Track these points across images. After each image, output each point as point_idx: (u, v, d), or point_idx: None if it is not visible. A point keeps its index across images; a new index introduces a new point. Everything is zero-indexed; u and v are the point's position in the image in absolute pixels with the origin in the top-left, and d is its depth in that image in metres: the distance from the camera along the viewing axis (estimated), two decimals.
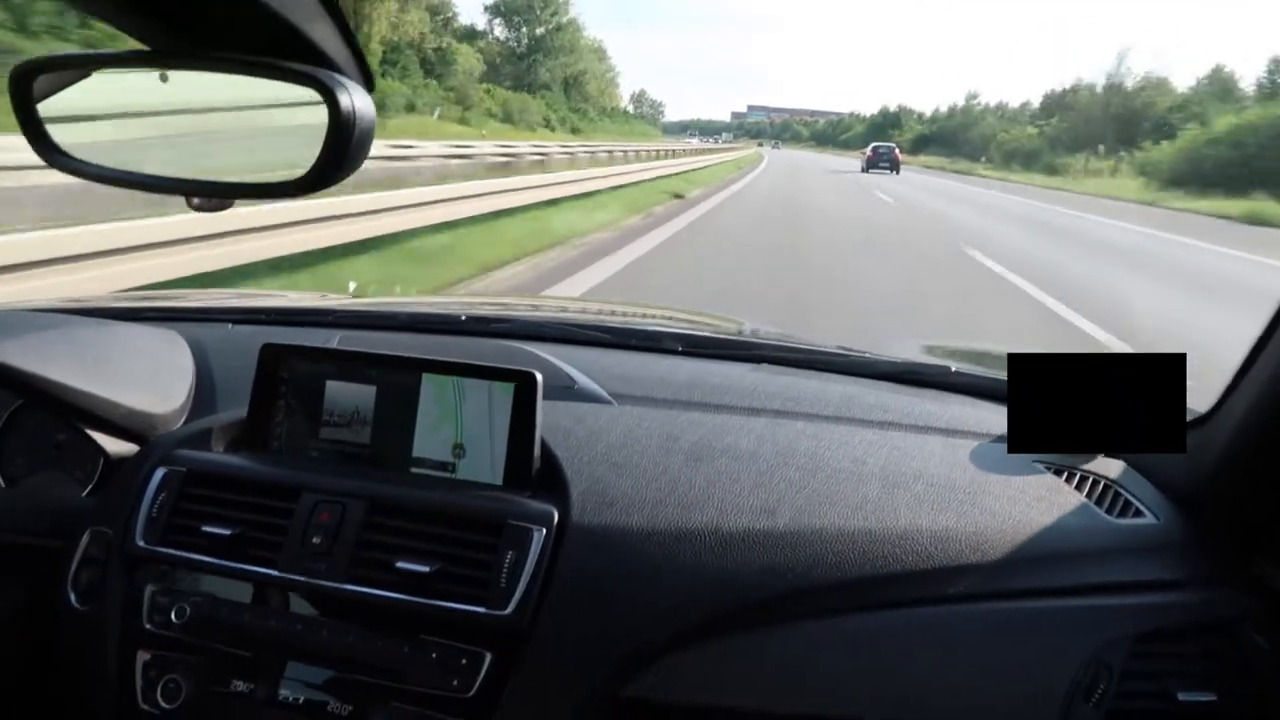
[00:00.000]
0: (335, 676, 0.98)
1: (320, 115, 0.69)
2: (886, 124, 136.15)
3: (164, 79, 0.72)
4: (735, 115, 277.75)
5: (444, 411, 1.07)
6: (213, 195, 0.73)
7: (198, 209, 0.76)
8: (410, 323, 1.53)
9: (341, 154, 0.67)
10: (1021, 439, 1.05)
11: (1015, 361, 1.05)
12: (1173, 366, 0.99)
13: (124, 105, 0.77)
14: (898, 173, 45.91)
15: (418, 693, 0.95)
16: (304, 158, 0.71)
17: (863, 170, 46.91)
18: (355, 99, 0.67)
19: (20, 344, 1.07)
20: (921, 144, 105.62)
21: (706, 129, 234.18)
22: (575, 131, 63.53)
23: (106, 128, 0.77)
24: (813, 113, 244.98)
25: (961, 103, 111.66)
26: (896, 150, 51.46)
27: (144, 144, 0.79)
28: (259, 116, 0.76)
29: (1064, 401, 1.01)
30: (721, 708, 0.93)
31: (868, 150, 51.88)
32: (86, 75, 0.78)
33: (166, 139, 0.79)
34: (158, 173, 0.75)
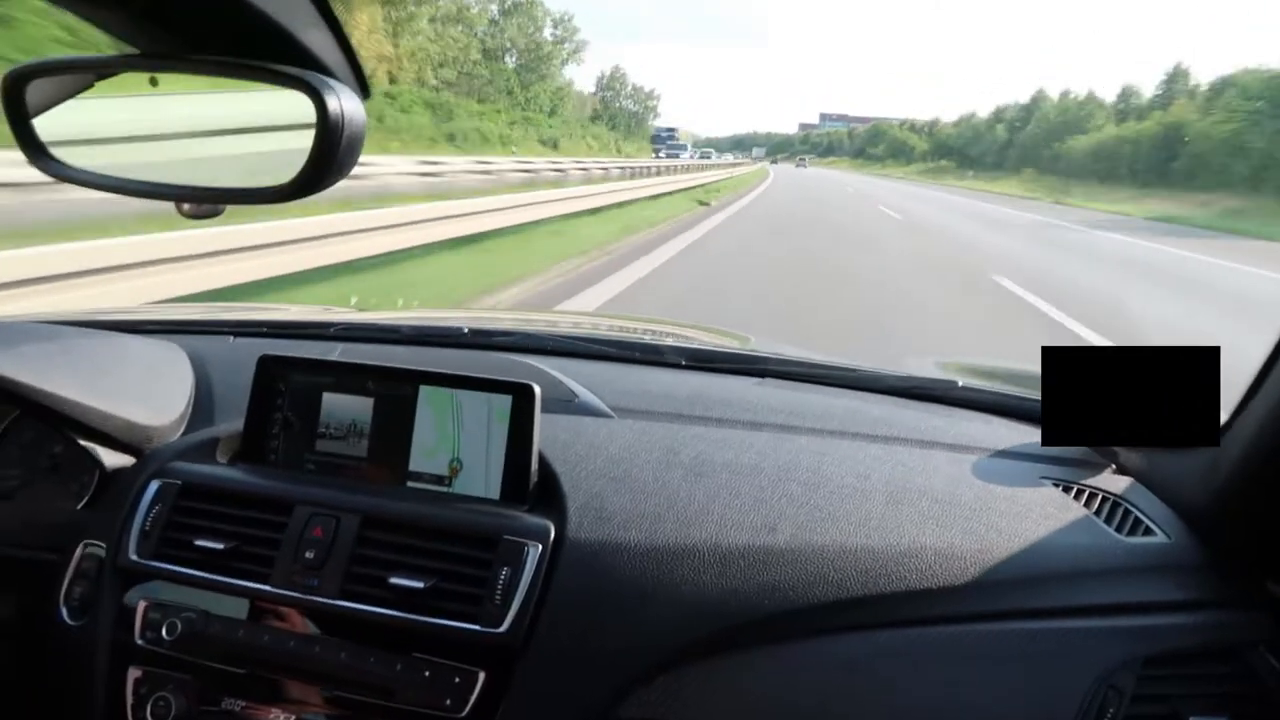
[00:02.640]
0: (327, 695, 0.97)
1: (311, 120, 0.69)
2: None
3: (153, 83, 0.71)
4: (804, 126, 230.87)
5: (441, 424, 1.06)
6: (200, 201, 0.73)
7: (187, 215, 0.75)
8: (412, 336, 1.52)
9: (330, 158, 0.67)
10: (1055, 432, 1.03)
11: (1049, 354, 1.03)
12: (1207, 360, 0.97)
13: (113, 111, 0.76)
14: None
15: (410, 712, 0.93)
16: (294, 163, 0.70)
17: None
18: (344, 102, 0.66)
19: (16, 354, 1.07)
20: None
21: (751, 144, 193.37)
22: None
23: (96, 133, 0.76)
24: (905, 122, 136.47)
25: None
26: None
27: (133, 150, 0.78)
28: (249, 122, 0.75)
29: (1097, 395, 0.99)
30: None
31: None
32: (78, 80, 0.78)
33: (156, 145, 0.78)
34: (146, 179, 0.75)
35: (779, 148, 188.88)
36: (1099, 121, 65.13)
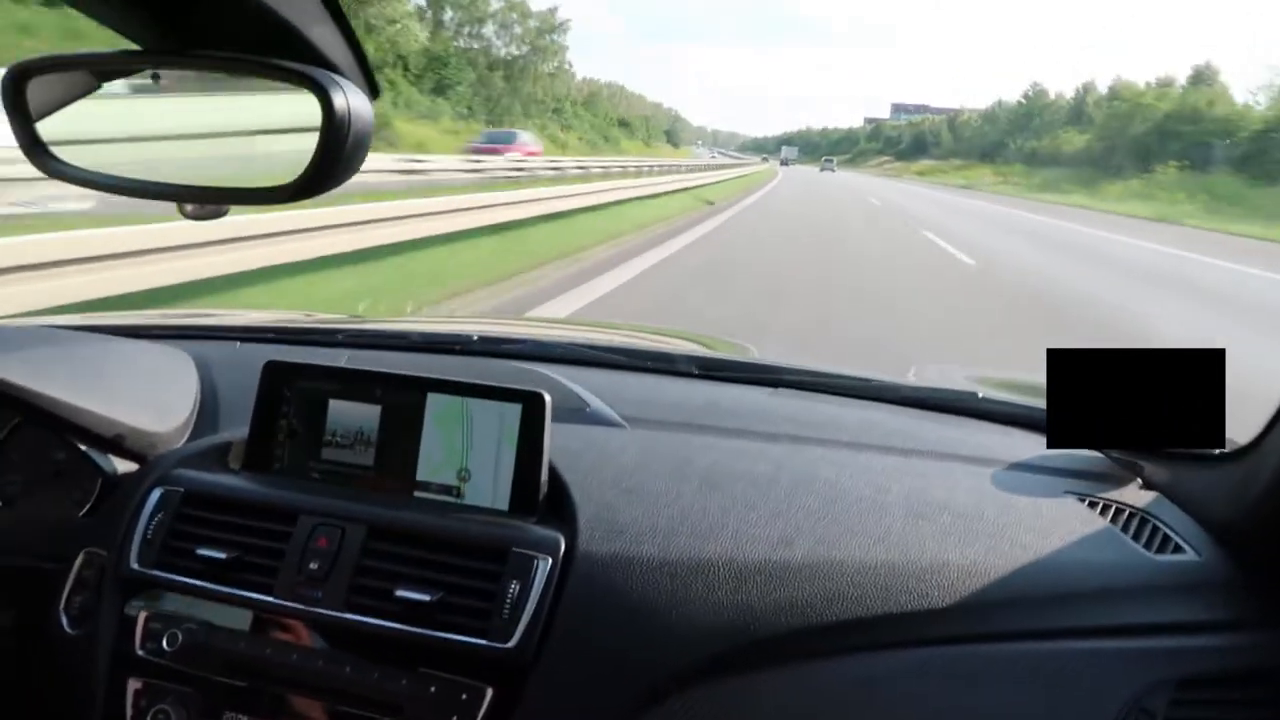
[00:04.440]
0: (330, 710, 0.94)
1: (316, 119, 0.67)
2: None
3: (156, 79, 0.70)
4: (869, 120, 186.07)
5: (449, 433, 1.03)
6: (201, 200, 0.71)
7: (191, 216, 0.73)
8: (421, 343, 1.50)
9: (335, 157, 0.64)
10: (1061, 434, 1.02)
11: (1054, 356, 1.01)
12: (1211, 362, 0.95)
13: (116, 109, 0.74)
14: None
15: None
16: (299, 163, 0.68)
17: None
18: (351, 99, 0.64)
19: (18, 359, 1.05)
20: None
21: (801, 142, 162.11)
22: None
23: (97, 131, 0.75)
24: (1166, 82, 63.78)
25: None
26: None
27: (134, 149, 0.76)
28: (254, 120, 0.73)
29: (1103, 397, 0.98)
30: None
31: None
32: (81, 81, 0.76)
33: (157, 144, 0.76)
34: (147, 178, 0.73)
35: (836, 146, 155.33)
36: None
